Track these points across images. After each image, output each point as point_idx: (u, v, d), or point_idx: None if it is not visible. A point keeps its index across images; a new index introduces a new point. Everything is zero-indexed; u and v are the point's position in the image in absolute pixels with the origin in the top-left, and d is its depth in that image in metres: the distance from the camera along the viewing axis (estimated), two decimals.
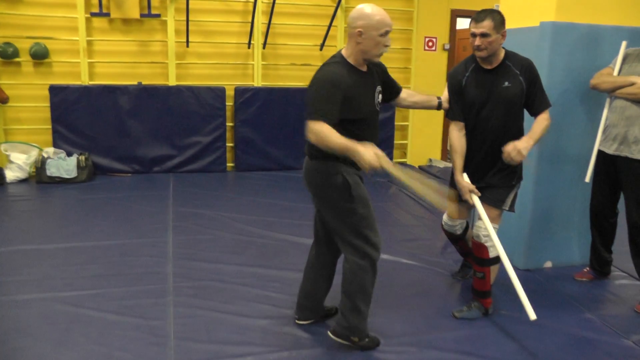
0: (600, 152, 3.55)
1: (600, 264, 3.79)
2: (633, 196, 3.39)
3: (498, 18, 2.96)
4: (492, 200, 3.13)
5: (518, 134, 3.09)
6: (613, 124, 3.43)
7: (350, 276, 2.74)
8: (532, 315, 2.81)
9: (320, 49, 7.08)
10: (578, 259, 4.07)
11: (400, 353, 2.83)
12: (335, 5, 6.87)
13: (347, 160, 2.58)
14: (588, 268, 3.87)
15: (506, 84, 3.03)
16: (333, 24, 6.93)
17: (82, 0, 6.25)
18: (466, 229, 3.50)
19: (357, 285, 2.74)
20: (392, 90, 3.02)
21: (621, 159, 3.40)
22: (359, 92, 2.63)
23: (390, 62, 7.36)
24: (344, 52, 2.68)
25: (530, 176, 3.79)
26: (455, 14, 7.62)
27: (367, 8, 2.59)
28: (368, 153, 2.42)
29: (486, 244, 3.11)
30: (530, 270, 3.95)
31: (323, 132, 2.46)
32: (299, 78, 6.94)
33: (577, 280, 3.82)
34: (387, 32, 2.59)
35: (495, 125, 3.06)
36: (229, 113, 6.86)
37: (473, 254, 3.21)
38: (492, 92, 3.05)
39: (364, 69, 2.70)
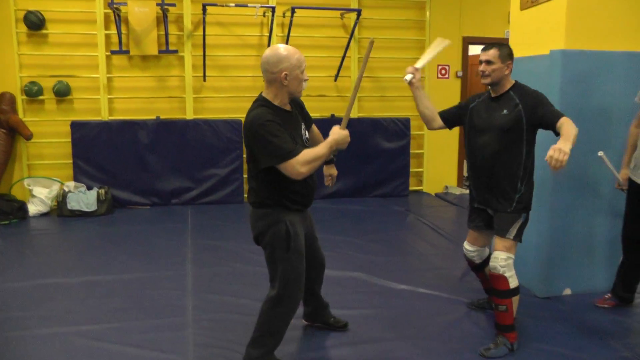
0: (631, 181, 3.55)
1: (626, 290, 3.74)
2: None
3: (505, 50, 3.16)
4: (498, 229, 3.18)
5: (518, 163, 3.13)
6: None
7: (263, 314, 2.84)
8: None
9: (335, 80, 7.18)
10: (597, 285, 4.02)
11: None
12: (348, 36, 6.99)
13: (292, 207, 2.75)
14: (610, 294, 3.82)
15: (505, 111, 3.13)
16: (347, 55, 7.04)
17: (102, 40, 6.45)
18: (486, 260, 3.50)
19: (267, 323, 2.83)
20: (307, 123, 3.00)
21: None
22: (290, 131, 2.69)
23: (405, 90, 7.41)
24: (266, 96, 2.72)
25: (546, 204, 3.79)
26: (467, 41, 7.69)
27: (281, 51, 2.65)
28: (341, 136, 2.65)
29: (505, 274, 3.09)
30: (549, 298, 3.92)
31: (307, 159, 2.56)
32: (315, 109, 6.99)
33: (598, 306, 3.77)
34: (304, 67, 2.71)
35: (492, 152, 3.15)
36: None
37: (492, 287, 3.17)
38: (491, 119, 3.17)
39: (288, 108, 2.78)
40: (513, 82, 3.21)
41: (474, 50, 8.40)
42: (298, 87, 2.71)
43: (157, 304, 3.75)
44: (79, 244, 5.28)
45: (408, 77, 3.30)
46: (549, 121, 2.99)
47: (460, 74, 7.67)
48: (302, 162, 2.55)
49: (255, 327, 2.87)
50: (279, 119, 2.62)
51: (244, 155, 6.85)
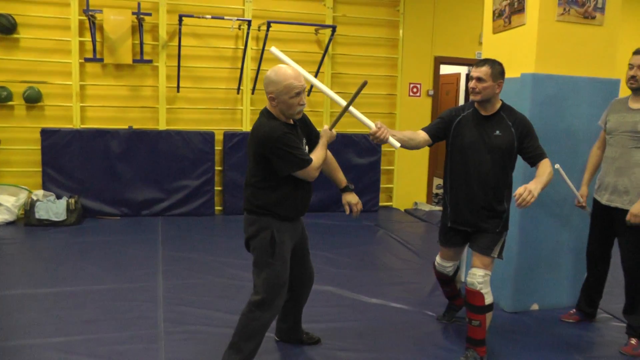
0: (595, 201, 3.69)
1: (590, 305, 3.90)
2: (627, 243, 3.50)
3: (497, 68, 3.14)
4: (481, 248, 3.21)
5: (505, 183, 3.21)
6: (605, 173, 3.58)
7: (242, 318, 2.91)
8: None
9: (308, 95, 7.25)
10: (564, 301, 4.16)
11: None
12: (322, 52, 7.09)
13: (282, 216, 2.85)
14: (575, 309, 3.97)
15: (497, 132, 3.16)
16: (320, 70, 7.12)
17: (76, 46, 6.40)
18: (456, 271, 3.60)
19: (246, 327, 2.88)
20: (313, 139, 3.06)
21: (613, 209, 3.52)
22: (298, 142, 2.82)
23: (376, 107, 7.57)
24: (269, 109, 2.82)
25: (515, 220, 3.89)
26: (439, 61, 7.86)
27: (276, 73, 2.73)
28: (330, 136, 2.98)
29: (482, 291, 3.15)
30: (517, 313, 4.04)
31: (318, 164, 2.85)
32: None
33: (563, 321, 3.91)
34: (297, 94, 2.72)
35: (483, 171, 3.17)
36: (217, 157, 6.95)
37: (468, 302, 3.22)
38: (483, 139, 3.18)
39: (290, 122, 2.87)
40: (501, 101, 3.24)
41: (445, 69, 8.62)
42: (288, 110, 2.76)
43: (128, 316, 3.72)
44: (47, 254, 5.19)
45: (394, 141, 3.06)
46: (532, 156, 3.15)
47: (431, 92, 7.83)
48: (315, 168, 2.82)
49: (233, 333, 2.92)
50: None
51: (216, 168, 6.89)
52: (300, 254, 3.09)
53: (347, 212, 3.16)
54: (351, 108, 3.01)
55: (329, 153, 3.08)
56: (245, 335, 2.88)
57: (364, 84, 2.79)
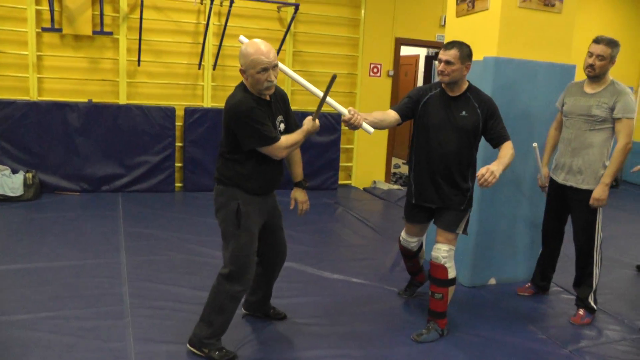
0: (551, 180, 3.87)
1: (543, 279, 4.12)
2: (579, 221, 3.71)
3: (465, 51, 3.20)
4: (446, 224, 3.33)
5: (469, 163, 3.31)
6: (561, 154, 3.75)
7: (212, 291, 2.97)
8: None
9: None
10: (520, 275, 4.38)
11: None
12: (284, 30, 7.07)
13: (249, 190, 2.88)
14: (530, 283, 4.20)
15: (464, 113, 3.25)
16: (282, 48, 7.12)
17: (33, 15, 6.18)
18: (420, 247, 3.73)
19: (215, 300, 2.95)
20: (289, 124, 3.07)
21: (568, 188, 3.71)
22: (266, 118, 2.83)
23: (336, 86, 7.61)
24: (244, 82, 2.86)
25: (474, 199, 4.05)
26: (400, 42, 7.95)
27: (248, 46, 2.76)
28: (313, 127, 2.85)
29: (445, 265, 3.28)
30: (475, 287, 4.23)
31: (287, 145, 2.81)
32: None
33: (519, 294, 4.13)
34: (264, 70, 2.72)
35: (448, 151, 3.26)
36: (178, 133, 6.89)
37: (432, 276, 3.34)
38: (450, 119, 3.26)
39: (265, 97, 2.87)
40: (467, 82, 3.33)
41: (404, 51, 8.72)
42: (255, 85, 2.77)
43: (93, 292, 3.71)
44: (4, 230, 5.05)
45: (368, 127, 3.03)
46: (495, 137, 3.25)
47: (391, 73, 7.93)
48: (282, 148, 2.81)
49: (204, 307, 2.98)
50: (257, 105, 2.76)
51: (177, 144, 6.84)
52: (271, 229, 3.12)
53: (292, 206, 3.17)
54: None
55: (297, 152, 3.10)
56: (215, 309, 2.93)
57: (334, 78, 2.71)
